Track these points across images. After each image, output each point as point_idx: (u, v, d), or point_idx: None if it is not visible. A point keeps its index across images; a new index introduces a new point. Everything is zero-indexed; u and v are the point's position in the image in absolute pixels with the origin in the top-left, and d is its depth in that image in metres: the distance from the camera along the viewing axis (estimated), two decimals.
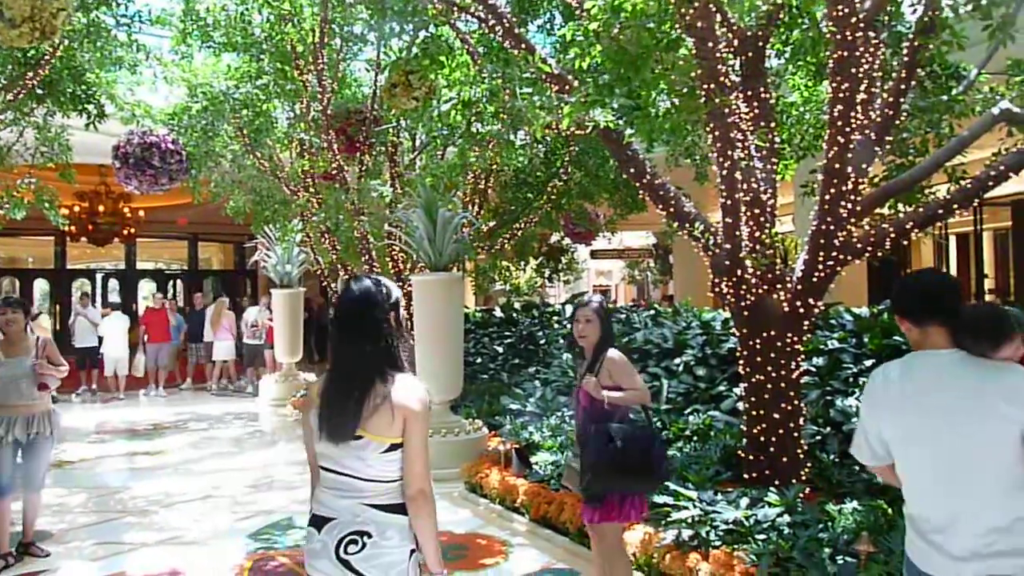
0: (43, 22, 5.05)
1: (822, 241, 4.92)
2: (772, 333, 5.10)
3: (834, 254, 4.92)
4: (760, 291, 5.11)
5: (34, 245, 20.59)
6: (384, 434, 2.32)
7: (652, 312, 9.93)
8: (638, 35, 4.23)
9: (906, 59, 4.70)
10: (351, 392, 2.34)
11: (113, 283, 20.44)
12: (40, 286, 20.04)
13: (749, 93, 5.38)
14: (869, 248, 5.02)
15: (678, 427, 6.31)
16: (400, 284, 9.89)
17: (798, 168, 7.19)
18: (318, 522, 2.38)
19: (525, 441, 6.69)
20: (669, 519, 4.61)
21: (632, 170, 5.48)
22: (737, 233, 5.09)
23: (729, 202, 5.04)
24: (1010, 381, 2.26)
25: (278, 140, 11.05)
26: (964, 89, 5.62)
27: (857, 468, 5.19)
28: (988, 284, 14.44)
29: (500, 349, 10.91)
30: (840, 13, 4.41)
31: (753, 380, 5.21)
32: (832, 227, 4.89)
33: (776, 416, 5.13)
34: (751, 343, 5.19)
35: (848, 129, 4.68)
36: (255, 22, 9.61)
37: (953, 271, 15.08)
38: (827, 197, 4.85)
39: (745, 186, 4.92)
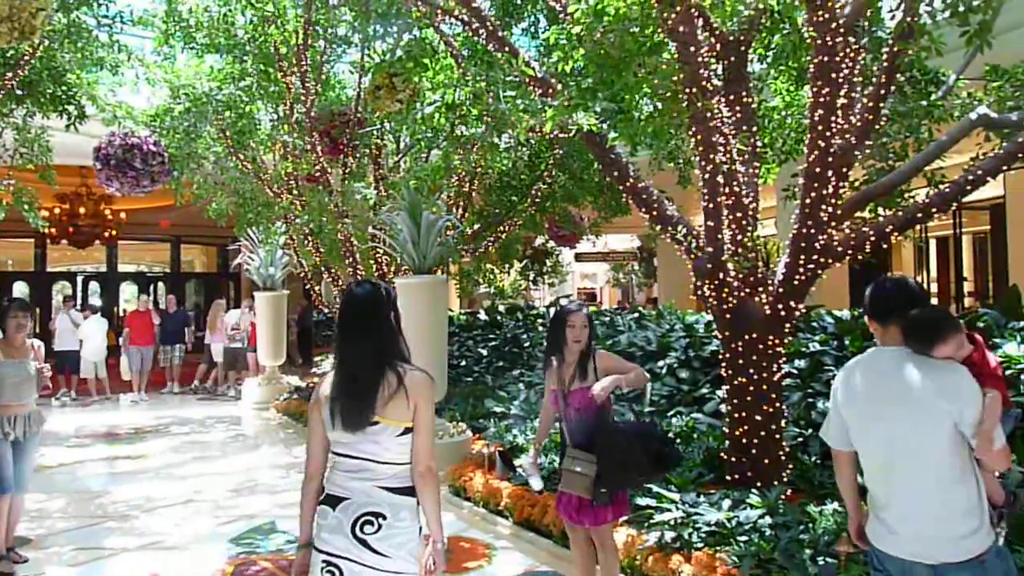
0: (22, 22, 5.00)
1: (803, 244, 4.96)
2: (754, 336, 5.14)
3: (815, 257, 4.97)
4: (742, 294, 5.15)
5: (13, 247, 20.39)
6: (400, 419, 2.58)
7: (636, 315, 9.97)
8: (621, 39, 4.26)
9: (886, 64, 4.75)
10: (365, 383, 2.58)
11: (94, 286, 20.29)
12: (19, 289, 19.82)
13: (731, 97, 5.43)
14: (849, 251, 5.06)
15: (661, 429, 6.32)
16: None
17: (780, 172, 7.24)
18: (332, 501, 2.60)
19: (509, 444, 6.69)
20: (652, 521, 4.63)
21: (615, 173, 5.50)
22: (719, 236, 5.12)
23: (711, 205, 5.07)
24: (946, 378, 2.54)
25: (261, 142, 10.99)
26: (943, 94, 5.69)
27: None
28: (967, 287, 14.60)
29: (484, 352, 10.91)
30: (820, 18, 4.46)
31: (735, 382, 5.24)
32: (813, 230, 4.92)
33: (758, 418, 5.16)
34: (733, 346, 5.22)
35: (828, 133, 4.72)
36: (238, 23, 9.56)
37: (933, 274, 15.24)
38: (808, 201, 4.89)
39: (727, 190, 4.96)
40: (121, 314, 18.14)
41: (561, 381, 4.03)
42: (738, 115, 5.39)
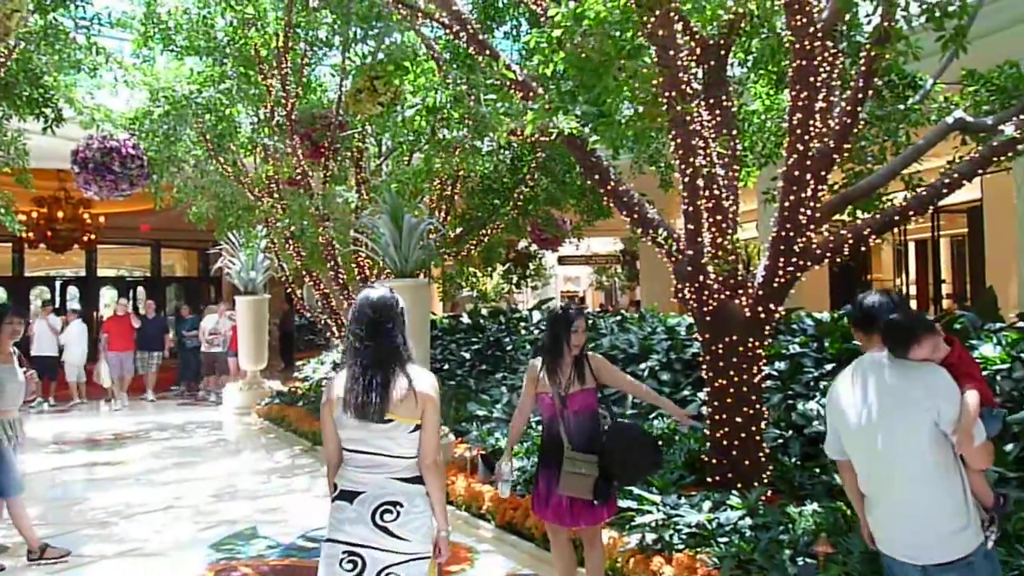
0: None
1: (782, 247, 4.99)
2: (734, 338, 5.16)
3: (794, 260, 5.00)
4: (722, 296, 5.17)
5: None
6: (411, 416, 2.79)
7: (618, 318, 9.99)
8: (601, 43, 4.27)
9: (863, 68, 4.79)
10: (378, 380, 2.78)
11: (73, 290, 20.06)
12: None
13: (711, 101, 5.45)
14: (828, 254, 5.10)
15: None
16: None
17: (760, 175, 7.30)
18: (348, 496, 2.80)
19: (491, 447, 6.68)
20: (633, 523, 4.64)
21: (596, 176, 5.51)
22: (699, 239, 5.14)
23: (691, 208, 5.09)
24: (924, 378, 2.66)
25: (242, 145, 10.93)
26: (920, 98, 5.75)
27: (818, 470, 5.27)
28: (945, 289, 14.75)
29: (467, 355, 10.88)
30: (798, 23, 4.49)
31: (716, 384, 5.26)
32: (792, 233, 4.96)
33: (738, 420, 5.18)
34: (713, 348, 5.24)
35: (807, 137, 4.76)
36: (218, 26, 9.50)
37: (912, 276, 15.39)
38: (787, 204, 4.92)
39: (707, 193, 4.98)
40: (101, 319, 17.90)
41: (558, 384, 4.05)
42: (718, 119, 5.42)
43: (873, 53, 4.69)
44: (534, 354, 5.72)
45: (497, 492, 5.84)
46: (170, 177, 10.87)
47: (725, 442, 5.22)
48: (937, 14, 4.38)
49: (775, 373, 6.46)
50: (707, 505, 4.69)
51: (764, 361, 5.40)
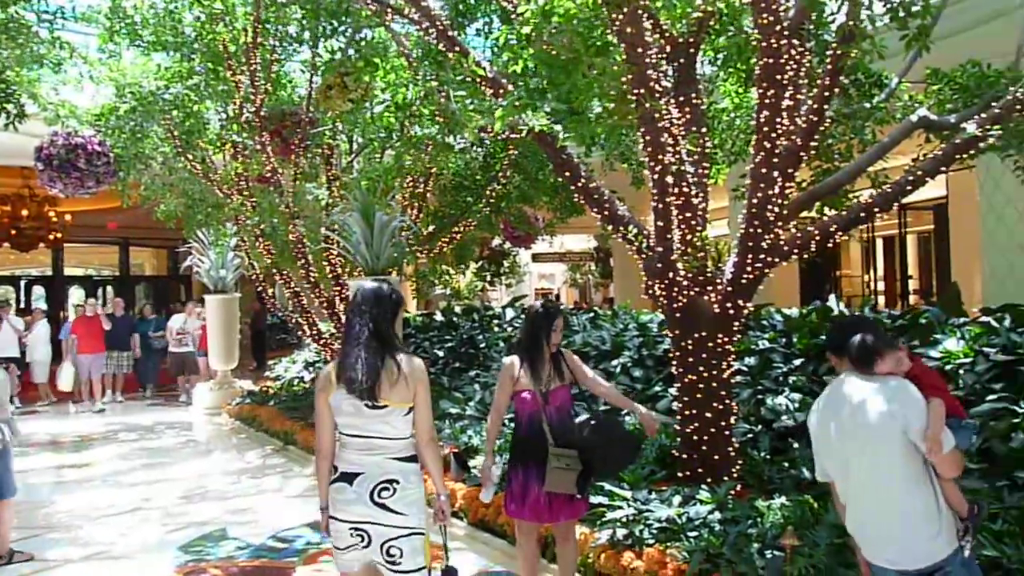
0: None
1: (750, 244, 5.04)
2: (703, 334, 5.20)
3: (762, 256, 5.04)
4: (691, 293, 5.20)
5: None
6: (404, 401, 3.02)
7: (591, 315, 10.02)
8: (570, 40, 4.27)
9: (830, 67, 4.84)
10: (367, 364, 2.98)
11: (39, 290, 19.71)
12: None
13: (681, 99, 5.48)
14: (796, 250, 5.15)
15: None
16: (338, 288, 9.79)
17: (730, 172, 7.34)
18: (348, 478, 3.02)
19: (464, 445, 6.67)
20: (604, 519, 4.65)
21: (567, 173, 5.52)
22: (669, 236, 5.16)
23: (661, 205, 5.11)
24: (890, 391, 2.76)
25: (210, 142, 10.78)
26: (886, 97, 5.83)
27: (787, 464, 5.33)
28: (912, 285, 14.98)
29: (441, 353, 10.84)
30: (765, 21, 4.53)
31: (686, 380, 5.30)
32: (760, 230, 5.00)
33: (708, 415, 5.22)
34: (683, 344, 5.28)
35: (774, 134, 4.80)
36: (185, 21, 9.36)
37: (880, 273, 15.61)
38: (755, 201, 4.97)
39: (676, 190, 5.00)
40: (66, 319, 17.58)
41: (539, 380, 4.10)
42: (688, 116, 5.45)
43: (839, 52, 4.74)
44: (508, 352, 5.72)
45: (468, 489, 5.85)
46: (137, 174, 10.69)
47: (695, 437, 5.26)
48: (901, 14, 4.44)
49: (744, 369, 6.52)
50: (677, 500, 4.72)
51: (733, 357, 5.45)
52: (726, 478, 5.08)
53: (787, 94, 4.75)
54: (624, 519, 4.56)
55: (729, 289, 5.16)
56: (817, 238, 5.12)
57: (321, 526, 3.23)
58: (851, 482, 2.83)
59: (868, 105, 5.82)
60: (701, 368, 5.21)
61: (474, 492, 5.77)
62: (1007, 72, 5.26)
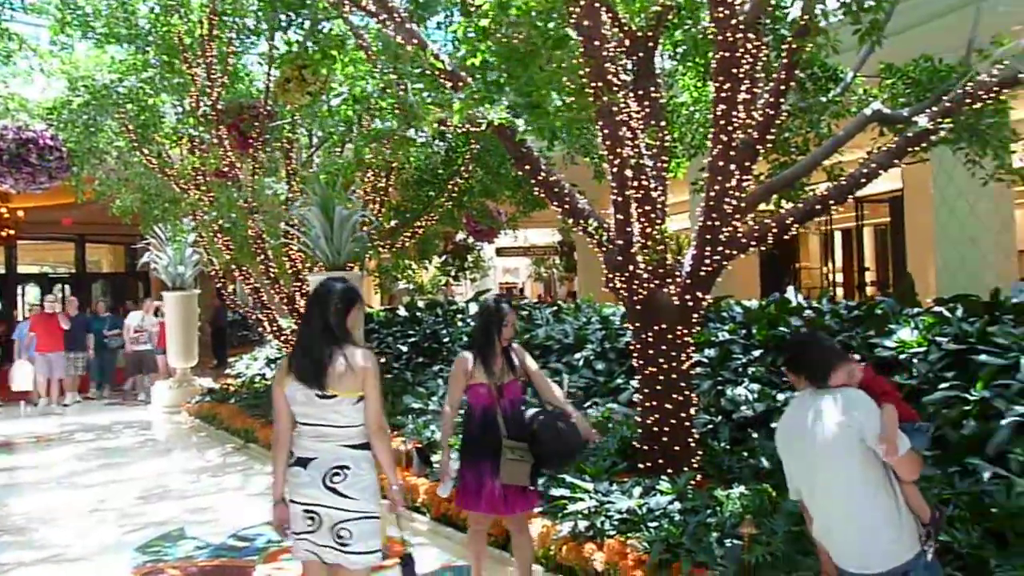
0: None
1: (708, 236, 5.08)
2: (663, 326, 5.23)
3: (720, 249, 5.09)
4: (651, 286, 5.23)
5: None
6: (352, 390, 3.11)
7: (554, 308, 10.04)
8: (527, 32, 4.26)
9: (785, 61, 4.89)
10: (315, 354, 3.11)
11: None
12: None
13: (640, 92, 5.49)
14: (754, 243, 5.20)
15: None
16: (298, 284, 9.68)
17: (690, 166, 7.40)
18: (303, 462, 3.14)
19: (427, 440, 6.64)
20: (566, 511, 4.66)
21: (527, 167, 5.51)
22: (628, 229, 5.18)
23: (620, 199, 5.13)
24: (845, 401, 2.83)
25: (166, 136, 10.59)
26: (841, 91, 5.91)
27: (746, 454, 5.39)
28: (869, 276, 15.26)
29: (404, 348, 10.79)
30: (721, 15, 4.56)
31: (646, 372, 5.33)
32: (718, 223, 5.04)
33: (668, 407, 5.26)
34: (643, 336, 5.31)
35: (731, 128, 4.84)
36: (139, 12, 9.17)
37: (838, 264, 15.87)
38: (712, 194, 5.01)
39: (636, 183, 5.02)
40: (17, 320, 17.12)
41: (492, 375, 4.16)
42: (647, 110, 5.46)
43: (795, 46, 4.80)
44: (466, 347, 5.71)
45: (431, 484, 5.82)
46: (92, 169, 10.48)
47: (655, 428, 5.29)
48: (854, 8, 4.51)
49: (705, 360, 6.58)
50: (638, 491, 4.74)
51: (693, 348, 5.49)
52: (686, 468, 5.12)
53: (743, 88, 4.79)
54: (586, 511, 4.57)
55: (688, 281, 5.20)
56: (774, 230, 5.18)
57: (274, 523, 3.27)
58: (816, 493, 2.90)
59: (824, 99, 5.90)
60: (661, 360, 5.25)
61: (436, 487, 5.74)
62: (958, 67, 5.36)
